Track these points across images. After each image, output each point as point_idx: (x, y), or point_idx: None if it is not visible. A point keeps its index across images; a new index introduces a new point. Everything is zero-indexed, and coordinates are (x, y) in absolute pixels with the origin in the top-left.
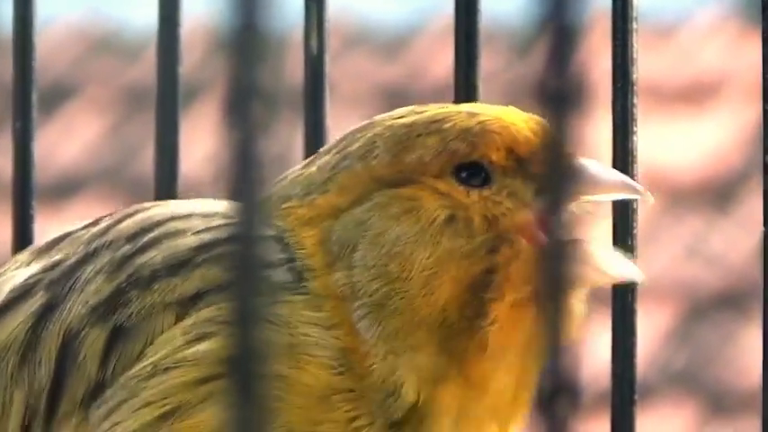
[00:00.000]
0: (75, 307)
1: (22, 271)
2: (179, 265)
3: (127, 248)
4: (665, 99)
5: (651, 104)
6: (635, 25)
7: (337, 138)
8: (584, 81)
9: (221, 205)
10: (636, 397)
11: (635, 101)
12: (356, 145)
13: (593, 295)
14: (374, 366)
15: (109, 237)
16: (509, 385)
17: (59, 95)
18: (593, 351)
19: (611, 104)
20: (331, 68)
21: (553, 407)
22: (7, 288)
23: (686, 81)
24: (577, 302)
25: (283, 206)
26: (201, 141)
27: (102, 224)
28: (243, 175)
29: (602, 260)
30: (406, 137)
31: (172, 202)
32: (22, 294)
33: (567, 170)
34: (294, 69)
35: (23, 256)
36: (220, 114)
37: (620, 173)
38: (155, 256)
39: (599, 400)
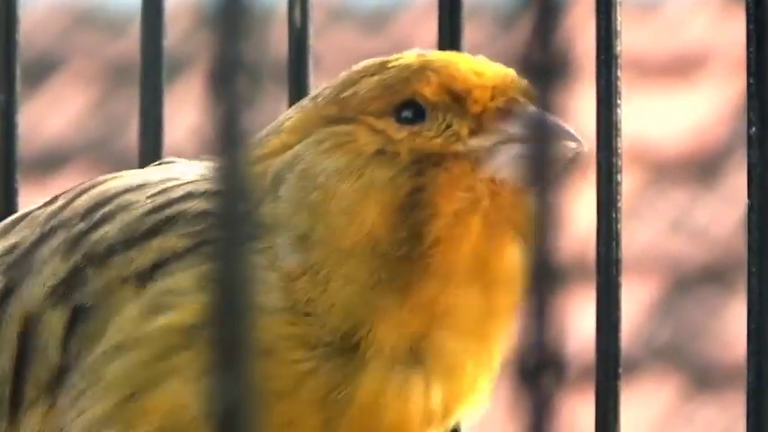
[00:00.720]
0: (34, 289)
1: None
2: (134, 238)
3: (81, 225)
4: (651, 73)
5: (636, 78)
6: None
7: None
8: (569, 54)
9: (180, 169)
10: (620, 371)
11: (619, 74)
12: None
13: (577, 269)
14: (308, 298)
15: (64, 215)
16: (472, 308)
17: (45, 69)
18: (577, 325)
19: (596, 77)
20: (315, 42)
21: (538, 381)
22: None
23: (671, 55)
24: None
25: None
26: (186, 114)
27: (59, 202)
28: (227, 149)
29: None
30: (353, 77)
31: (128, 172)
32: None
33: (506, 111)
34: (278, 43)
35: None
36: (205, 88)
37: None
38: (109, 230)
39: (584, 375)
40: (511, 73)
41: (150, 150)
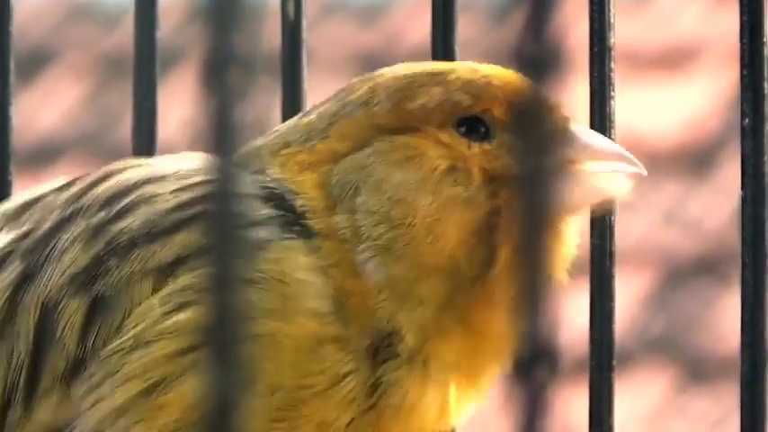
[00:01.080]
0: (53, 277)
1: None
2: (158, 232)
3: (102, 215)
4: (644, 65)
5: (630, 70)
6: None
7: (337, 90)
8: (561, 47)
9: (197, 163)
10: (614, 362)
11: (612, 66)
12: (357, 93)
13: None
14: (376, 308)
15: (83, 202)
16: (503, 334)
17: (38, 62)
18: (571, 317)
19: (589, 69)
20: (309, 35)
21: (532, 372)
22: None
23: (665, 47)
24: (568, 231)
25: (282, 152)
26: (180, 107)
27: (75, 188)
28: (220, 142)
29: (593, 179)
30: (409, 86)
31: (144, 162)
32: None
33: (562, 132)
34: (272, 35)
35: None
36: (198, 81)
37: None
38: (132, 222)
39: (578, 366)
40: None
41: (143, 143)
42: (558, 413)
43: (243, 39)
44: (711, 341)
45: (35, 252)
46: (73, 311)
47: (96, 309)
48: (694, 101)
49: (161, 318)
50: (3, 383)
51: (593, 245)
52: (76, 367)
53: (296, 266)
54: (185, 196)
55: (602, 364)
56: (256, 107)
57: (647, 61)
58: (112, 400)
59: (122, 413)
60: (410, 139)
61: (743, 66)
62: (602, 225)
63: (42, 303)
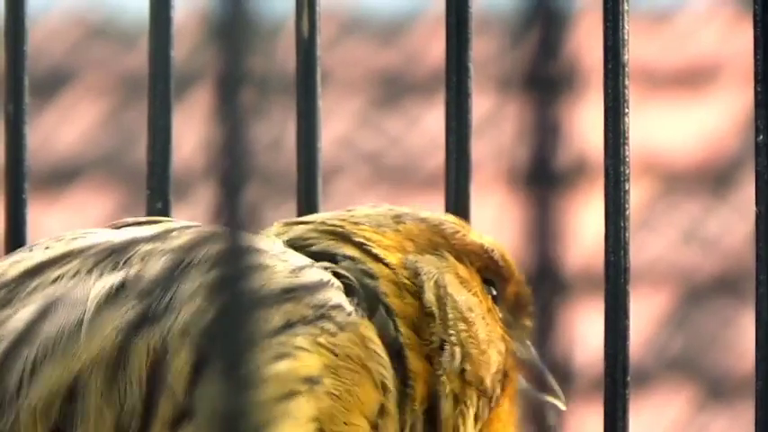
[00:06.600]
0: (171, 326)
1: (86, 277)
2: (272, 299)
3: (218, 273)
4: (662, 84)
5: (648, 89)
6: (626, 6)
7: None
8: (576, 66)
9: (279, 248)
10: (629, 380)
11: (627, 83)
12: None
13: (586, 279)
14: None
15: (192, 257)
16: None
17: (57, 82)
18: (588, 338)
19: (603, 86)
20: (327, 55)
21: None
22: (92, 293)
23: (683, 65)
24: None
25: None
26: (197, 129)
27: (179, 240)
28: (234, 164)
29: None
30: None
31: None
32: (109, 299)
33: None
34: (286, 54)
35: (75, 263)
36: (213, 100)
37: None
38: (252, 284)
39: (594, 385)
40: None
41: (159, 161)
42: (574, 431)
43: (257, 58)
44: (730, 360)
45: (152, 296)
46: (183, 362)
47: (205, 362)
48: (713, 120)
49: (262, 366)
50: (115, 426)
51: (607, 261)
52: (182, 415)
53: (371, 339)
54: (297, 281)
55: (617, 380)
56: (271, 126)
57: (666, 80)
58: None
59: None
60: (465, 268)
61: (757, 82)
62: (616, 241)
63: (155, 349)
